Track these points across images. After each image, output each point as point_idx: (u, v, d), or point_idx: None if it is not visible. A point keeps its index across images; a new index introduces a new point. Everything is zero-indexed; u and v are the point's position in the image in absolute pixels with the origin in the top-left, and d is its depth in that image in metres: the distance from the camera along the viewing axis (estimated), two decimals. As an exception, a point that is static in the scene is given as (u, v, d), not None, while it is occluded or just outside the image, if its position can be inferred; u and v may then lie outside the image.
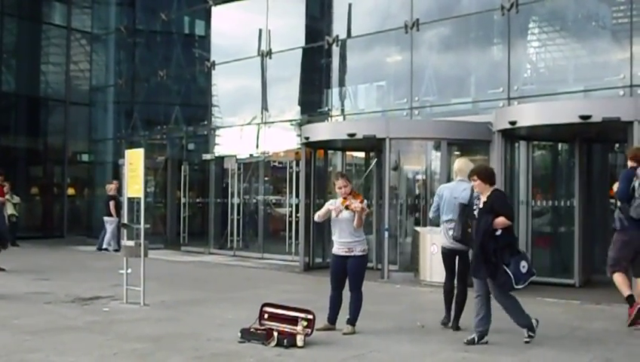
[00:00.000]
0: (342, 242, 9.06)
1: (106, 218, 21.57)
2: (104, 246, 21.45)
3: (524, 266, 8.21)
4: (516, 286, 8.22)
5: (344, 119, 19.04)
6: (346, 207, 8.91)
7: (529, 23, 16.15)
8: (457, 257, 9.51)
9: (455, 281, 9.59)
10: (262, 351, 7.97)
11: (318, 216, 9.36)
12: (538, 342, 8.69)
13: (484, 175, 8.51)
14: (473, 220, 8.66)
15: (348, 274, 9.06)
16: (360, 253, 9.01)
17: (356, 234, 9.00)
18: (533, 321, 8.52)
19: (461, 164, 9.84)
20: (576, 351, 8.28)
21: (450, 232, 9.22)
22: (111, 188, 21.67)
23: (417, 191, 16.49)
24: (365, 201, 9.22)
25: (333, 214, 9.05)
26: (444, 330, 9.36)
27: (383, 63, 18.99)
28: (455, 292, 9.50)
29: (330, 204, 9.20)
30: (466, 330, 9.01)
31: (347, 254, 9.01)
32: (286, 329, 8.42)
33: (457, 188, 9.54)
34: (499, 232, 8.21)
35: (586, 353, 8.14)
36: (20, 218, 23.26)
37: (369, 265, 15.73)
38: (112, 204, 21.22)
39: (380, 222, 15.48)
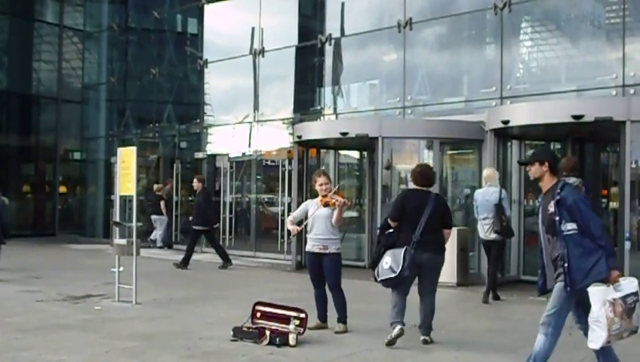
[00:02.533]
0: (317, 238, 9.05)
1: (155, 217, 22.32)
2: (159, 243, 22.26)
3: (386, 263, 8.22)
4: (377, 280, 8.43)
5: (337, 118, 19.02)
6: (325, 204, 8.88)
7: (522, 23, 16.15)
8: (491, 246, 11.71)
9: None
10: (254, 350, 7.96)
11: (292, 227, 9.22)
12: (530, 341, 8.69)
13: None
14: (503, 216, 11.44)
15: (325, 272, 9.05)
16: (335, 251, 9.01)
17: (332, 231, 8.99)
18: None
19: (489, 172, 11.98)
20: (567, 350, 8.28)
21: (486, 227, 11.54)
22: (159, 187, 22.40)
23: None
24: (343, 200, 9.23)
25: (311, 211, 9.04)
26: (437, 329, 9.37)
27: (376, 62, 18.98)
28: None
29: (309, 204, 9.22)
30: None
31: (322, 252, 9.02)
32: (278, 328, 8.42)
33: (488, 191, 11.69)
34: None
35: (577, 352, 8.15)
36: (11, 217, 23.19)
37: (361, 264, 15.94)
38: (162, 203, 22.15)
39: (373, 221, 15.47)
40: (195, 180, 17.12)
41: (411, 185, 9.00)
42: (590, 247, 6.12)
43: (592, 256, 6.10)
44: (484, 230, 11.60)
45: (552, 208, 6.26)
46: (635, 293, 6.13)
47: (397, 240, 8.33)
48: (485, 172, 12.08)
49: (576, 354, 8.10)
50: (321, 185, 9.07)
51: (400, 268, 8.10)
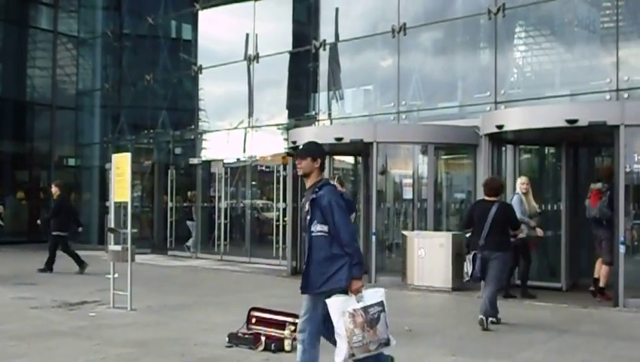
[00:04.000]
0: None
1: (190, 223, 22.21)
2: (192, 249, 22.04)
3: (465, 267, 10.15)
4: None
5: (331, 123, 19.02)
6: None
7: (516, 28, 16.18)
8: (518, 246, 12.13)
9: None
10: (249, 356, 7.95)
11: None
12: (526, 344, 8.71)
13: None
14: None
15: None
16: None
17: None
18: None
19: (518, 182, 12.94)
20: (563, 354, 8.31)
21: None
22: (193, 194, 22.62)
23: (405, 196, 16.49)
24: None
25: None
26: (432, 334, 9.37)
27: (370, 67, 18.99)
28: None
29: None
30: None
31: None
32: (274, 334, 8.40)
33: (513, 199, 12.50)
34: None
35: (573, 356, 8.16)
36: (6, 223, 23.15)
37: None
38: (193, 209, 22.23)
39: (367, 226, 15.47)
40: (53, 186, 17.13)
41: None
42: (336, 253, 5.87)
43: (336, 262, 5.86)
44: None
45: (307, 206, 6.04)
46: (379, 303, 5.90)
47: (471, 241, 10.08)
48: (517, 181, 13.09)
49: (572, 357, 8.11)
50: None
51: (471, 272, 9.86)
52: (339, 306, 5.79)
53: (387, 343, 6.02)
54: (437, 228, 14.96)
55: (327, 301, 5.83)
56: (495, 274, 9.77)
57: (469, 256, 9.92)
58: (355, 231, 6.05)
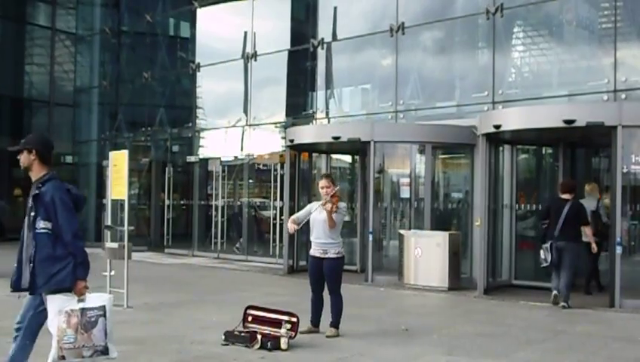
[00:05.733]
0: (317, 243, 9.06)
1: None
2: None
3: (542, 255, 11.91)
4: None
5: (329, 122, 19.01)
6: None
7: (514, 28, 16.19)
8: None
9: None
10: (245, 354, 7.95)
11: (290, 225, 9.21)
12: (523, 344, 8.72)
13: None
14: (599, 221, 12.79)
15: (324, 276, 9.04)
16: (334, 256, 8.98)
17: (331, 236, 8.97)
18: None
19: (589, 188, 13.28)
20: (559, 354, 8.31)
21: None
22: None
23: (402, 195, 16.50)
24: (343, 204, 9.21)
25: (313, 214, 9.05)
26: (428, 334, 9.38)
27: (369, 66, 18.97)
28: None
29: (313, 206, 9.23)
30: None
31: (322, 256, 9.00)
32: (270, 332, 8.41)
33: (587, 201, 12.75)
34: None
35: (569, 356, 8.17)
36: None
37: (353, 268, 15.92)
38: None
39: (364, 225, 15.48)
40: None
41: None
42: (60, 252, 5.69)
43: (59, 261, 5.68)
44: None
45: (30, 202, 5.87)
46: (100, 308, 5.76)
47: (547, 231, 11.82)
48: (586, 186, 13.33)
49: (568, 357, 8.12)
50: (322, 188, 9.07)
51: (550, 259, 11.59)
52: (57, 304, 5.67)
53: (104, 352, 5.80)
54: (434, 227, 14.96)
55: (47, 297, 5.70)
56: (569, 263, 11.53)
57: (546, 246, 11.62)
58: (80, 229, 5.87)
